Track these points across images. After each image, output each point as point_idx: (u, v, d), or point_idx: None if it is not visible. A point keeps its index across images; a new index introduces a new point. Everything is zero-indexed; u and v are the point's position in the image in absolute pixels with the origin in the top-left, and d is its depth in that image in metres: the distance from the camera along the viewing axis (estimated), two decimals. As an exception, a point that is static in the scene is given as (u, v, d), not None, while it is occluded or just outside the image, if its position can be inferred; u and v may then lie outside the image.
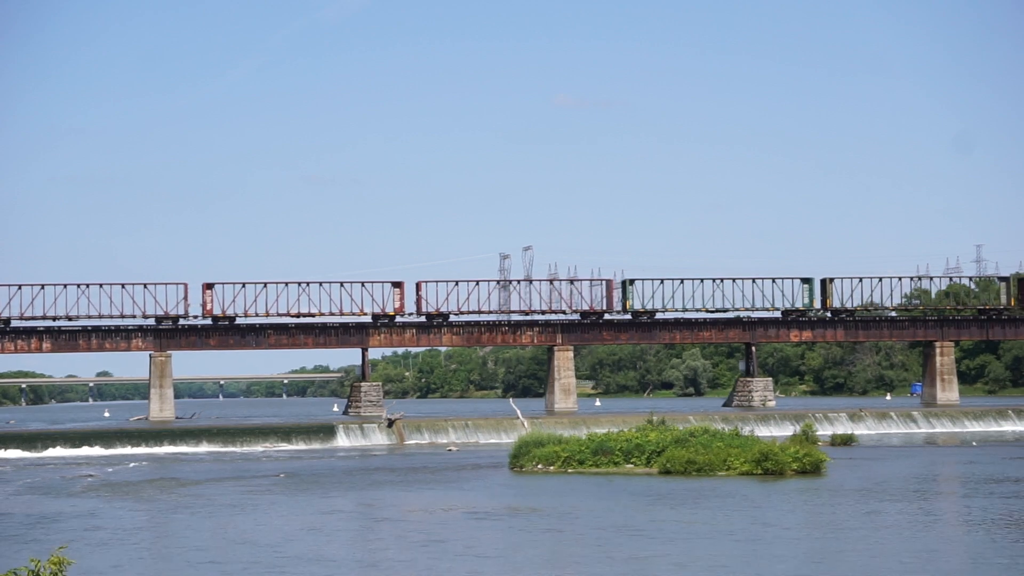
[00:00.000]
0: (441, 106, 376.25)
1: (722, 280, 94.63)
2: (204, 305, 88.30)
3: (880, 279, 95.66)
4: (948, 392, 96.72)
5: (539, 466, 49.62)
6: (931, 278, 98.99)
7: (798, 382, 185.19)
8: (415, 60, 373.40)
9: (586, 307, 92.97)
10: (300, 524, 34.38)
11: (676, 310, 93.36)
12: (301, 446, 70.31)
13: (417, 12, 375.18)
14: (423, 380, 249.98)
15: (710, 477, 45.53)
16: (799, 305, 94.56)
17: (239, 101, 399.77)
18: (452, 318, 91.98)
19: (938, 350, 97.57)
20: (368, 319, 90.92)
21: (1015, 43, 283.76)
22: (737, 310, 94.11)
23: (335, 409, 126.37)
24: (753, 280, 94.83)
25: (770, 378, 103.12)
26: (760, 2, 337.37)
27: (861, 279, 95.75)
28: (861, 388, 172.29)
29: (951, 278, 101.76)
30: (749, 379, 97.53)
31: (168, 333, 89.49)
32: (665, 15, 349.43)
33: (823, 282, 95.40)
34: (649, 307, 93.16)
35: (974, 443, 67.45)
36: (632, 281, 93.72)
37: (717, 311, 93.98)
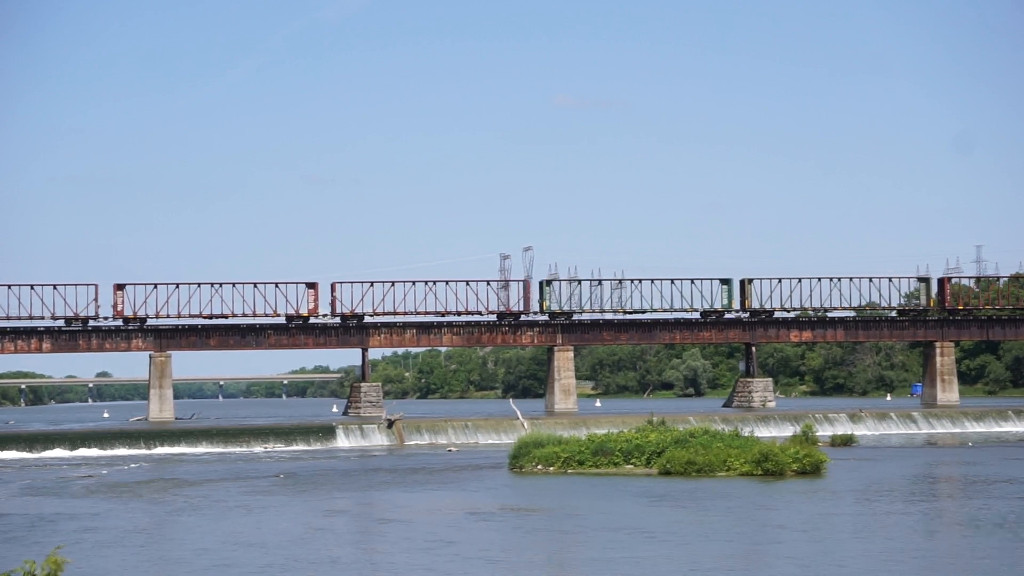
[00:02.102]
0: (441, 106, 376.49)
1: (640, 281, 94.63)
2: (115, 306, 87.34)
3: (800, 280, 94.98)
4: (948, 393, 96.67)
5: (539, 467, 49.57)
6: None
7: (798, 382, 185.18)
8: (415, 60, 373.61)
9: (503, 308, 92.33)
10: (306, 526, 34.26)
11: (594, 311, 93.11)
12: (301, 447, 70.24)
13: (417, 12, 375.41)
14: (423, 380, 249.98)
15: (710, 478, 45.49)
16: (717, 306, 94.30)
17: (239, 101, 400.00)
18: (367, 319, 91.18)
19: (938, 350, 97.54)
20: (282, 320, 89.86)
21: (1015, 43, 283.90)
22: (655, 311, 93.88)
23: (335, 410, 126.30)
24: (672, 281, 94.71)
25: (770, 378, 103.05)
26: (760, 2, 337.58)
27: (780, 280, 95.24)
28: (861, 388, 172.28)
29: (869, 278, 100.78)
30: (749, 379, 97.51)
31: (168, 333, 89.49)
32: (665, 15, 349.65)
33: (742, 283, 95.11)
34: (566, 308, 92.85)
35: (970, 444, 67.42)
36: (549, 282, 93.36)
37: (635, 312, 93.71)
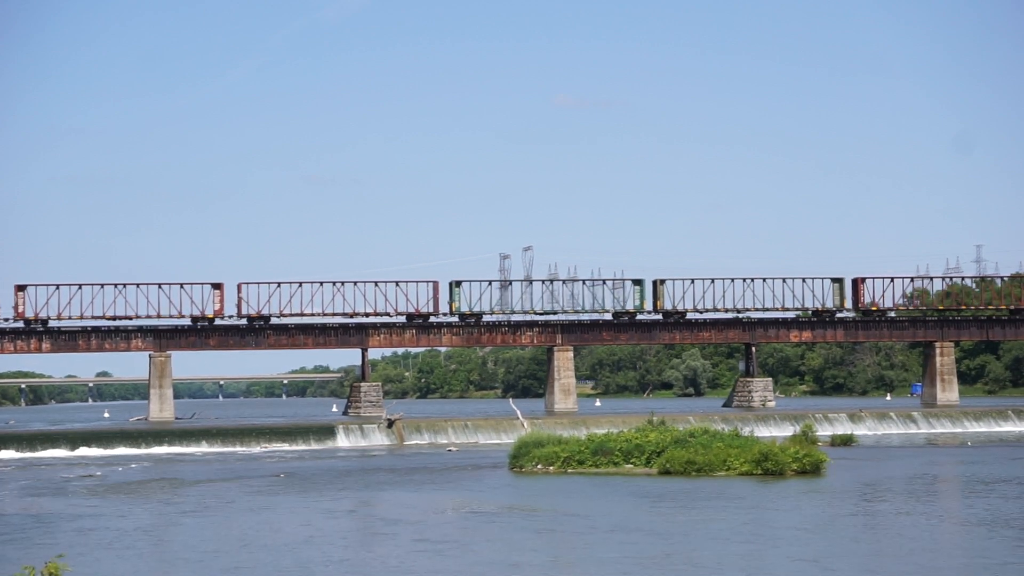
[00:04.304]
0: (441, 106, 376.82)
1: (552, 282, 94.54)
2: (15, 307, 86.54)
3: (713, 280, 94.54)
4: (948, 392, 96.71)
5: (539, 466, 49.58)
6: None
7: (798, 382, 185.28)
8: (415, 60, 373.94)
9: (412, 310, 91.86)
10: (311, 527, 34.07)
11: (504, 312, 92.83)
12: (301, 446, 70.25)
13: (417, 12, 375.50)
14: (423, 380, 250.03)
15: (710, 477, 45.50)
16: (629, 307, 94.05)
17: (239, 101, 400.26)
18: (274, 320, 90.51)
19: (938, 350, 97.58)
20: (188, 321, 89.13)
21: (1015, 43, 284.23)
22: (566, 312, 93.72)
23: (334, 409, 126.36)
24: (584, 282, 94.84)
25: (770, 378, 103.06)
26: (760, 2, 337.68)
27: (693, 280, 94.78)
28: (861, 388, 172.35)
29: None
30: (749, 379, 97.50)
31: (168, 333, 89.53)
32: (665, 15, 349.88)
33: (654, 283, 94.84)
34: (476, 310, 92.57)
35: (970, 443, 67.43)
36: (459, 283, 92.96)
37: (546, 313, 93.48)
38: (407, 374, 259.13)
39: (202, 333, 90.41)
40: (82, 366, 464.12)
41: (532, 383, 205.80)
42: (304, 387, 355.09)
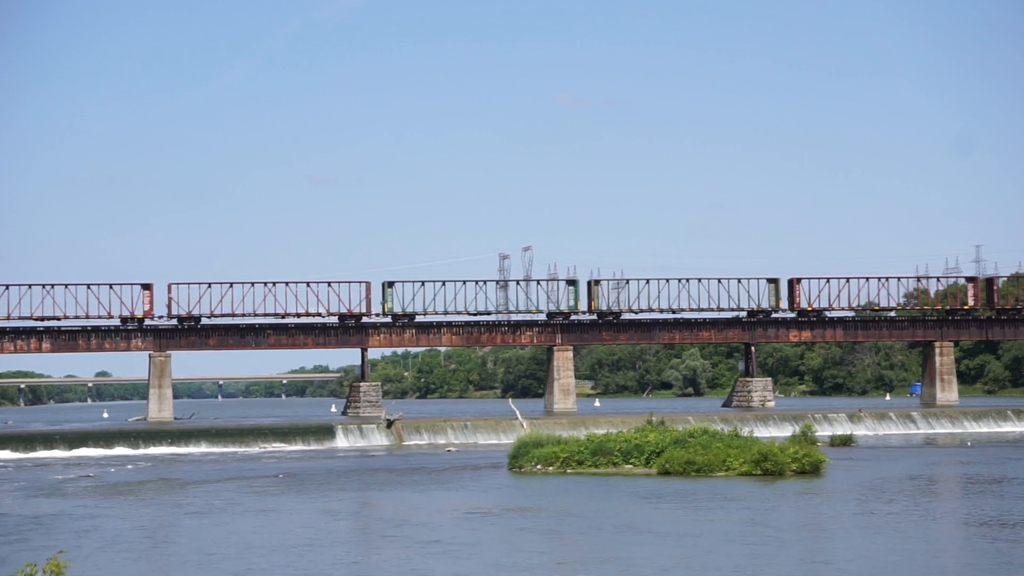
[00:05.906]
0: (441, 106, 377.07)
1: (480, 283, 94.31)
2: None
3: (648, 281, 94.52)
4: (947, 392, 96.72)
5: (538, 467, 49.56)
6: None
7: (797, 382, 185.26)
8: (415, 60, 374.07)
9: (344, 310, 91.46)
10: (314, 528, 33.95)
11: (437, 312, 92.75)
12: (300, 446, 70.22)
13: (417, 12, 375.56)
14: (422, 380, 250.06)
15: (709, 478, 45.48)
16: (563, 308, 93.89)
17: (239, 101, 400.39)
18: (204, 321, 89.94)
19: (937, 350, 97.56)
20: (117, 322, 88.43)
21: (1015, 43, 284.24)
22: (499, 312, 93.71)
23: (333, 409, 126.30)
24: (517, 283, 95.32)
25: (769, 378, 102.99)
26: (760, 2, 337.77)
27: (628, 281, 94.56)
28: (860, 388, 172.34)
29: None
30: (748, 379, 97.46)
31: (168, 333, 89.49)
32: (665, 15, 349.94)
33: (589, 284, 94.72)
34: (409, 310, 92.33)
35: (969, 443, 67.41)
36: (392, 284, 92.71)
37: (479, 313, 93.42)
38: (407, 374, 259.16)
39: (202, 333, 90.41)
40: (81, 366, 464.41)
41: (532, 383, 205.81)
42: (303, 387, 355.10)
